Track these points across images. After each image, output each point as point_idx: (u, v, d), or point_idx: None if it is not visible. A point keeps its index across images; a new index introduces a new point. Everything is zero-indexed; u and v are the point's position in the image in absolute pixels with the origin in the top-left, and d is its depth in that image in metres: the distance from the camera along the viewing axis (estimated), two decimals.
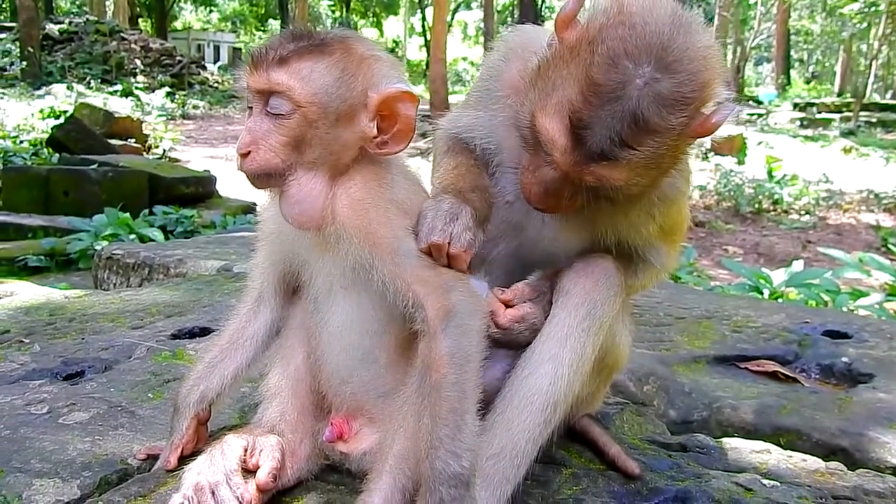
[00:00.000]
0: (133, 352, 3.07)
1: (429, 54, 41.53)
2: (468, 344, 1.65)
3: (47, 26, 37.46)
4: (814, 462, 2.38)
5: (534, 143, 1.75)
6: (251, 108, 1.77)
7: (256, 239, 2.10)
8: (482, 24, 49.10)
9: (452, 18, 63.44)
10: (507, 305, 1.88)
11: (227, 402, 2.17)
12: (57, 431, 2.32)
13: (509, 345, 1.87)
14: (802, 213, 18.77)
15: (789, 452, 2.44)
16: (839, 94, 47.52)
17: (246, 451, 1.86)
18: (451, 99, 32.01)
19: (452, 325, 1.64)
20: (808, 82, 60.28)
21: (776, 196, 19.21)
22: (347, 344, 1.89)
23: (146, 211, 12.04)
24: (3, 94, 28.45)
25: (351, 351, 1.89)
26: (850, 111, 37.58)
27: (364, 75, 1.77)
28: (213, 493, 1.76)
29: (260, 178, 1.77)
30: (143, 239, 10.08)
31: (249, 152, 1.73)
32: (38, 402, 2.54)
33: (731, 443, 2.49)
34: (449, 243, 1.70)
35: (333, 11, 72.73)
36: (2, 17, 38.84)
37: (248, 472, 1.84)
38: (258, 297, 2.09)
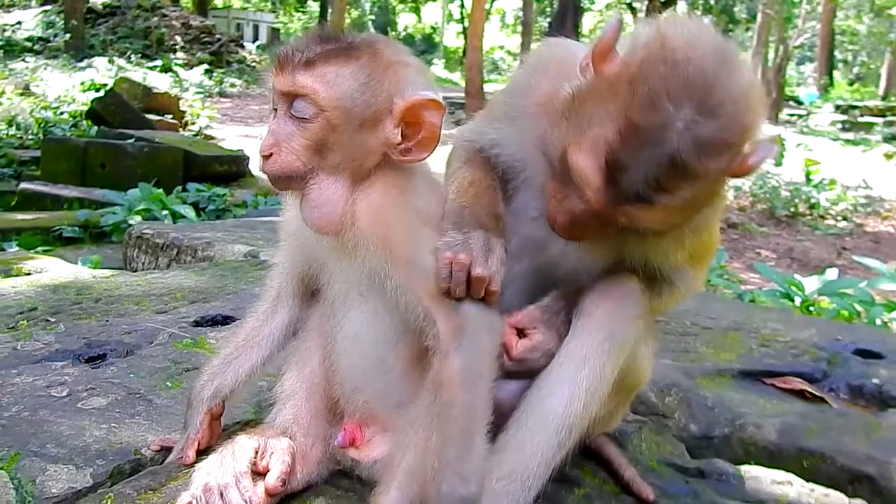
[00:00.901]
0: (155, 337, 3.08)
1: (466, 42, 41.33)
2: (480, 363, 1.62)
3: (91, 0, 37.86)
4: (837, 498, 2.32)
5: (563, 173, 1.69)
6: (276, 109, 1.76)
7: (278, 239, 2.10)
8: (521, 13, 48.77)
9: (491, 6, 63.07)
10: (519, 330, 1.85)
11: (241, 398, 2.17)
12: (75, 416, 2.33)
13: (525, 374, 1.83)
14: (839, 218, 18.44)
15: (812, 486, 2.38)
16: (884, 98, 46.56)
17: (257, 452, 1.85)
18: (487, 88, 31.87)
19: (464, 344, 1.62)
20: (851, 84, 59.14)
21: (813, 200, 18.87)
22: (362, 351, 1.87)
23: (179, 188, 12.14)
24: (47, 64, 28.84)
25: (365, 358, 1.87)
26: (894, 115, 36.81)
27: (390, 81, 1.74)
28: (221, 494, 1.75)
29: (281, 181, 1.76)
30: (175, 216, 10.17)
31: (272, 154, 1.72)
32: (59, 384, 2.56)
33: (751, 471, 2.43)
34: (490, 280, 1.66)
35: None
36: None
37: (258, 474, 1.83)
38: (276, 297, 2.09)
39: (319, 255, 1.93)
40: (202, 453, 1.98)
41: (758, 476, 2.40)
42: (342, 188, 1.76)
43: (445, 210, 1.82)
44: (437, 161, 1.91)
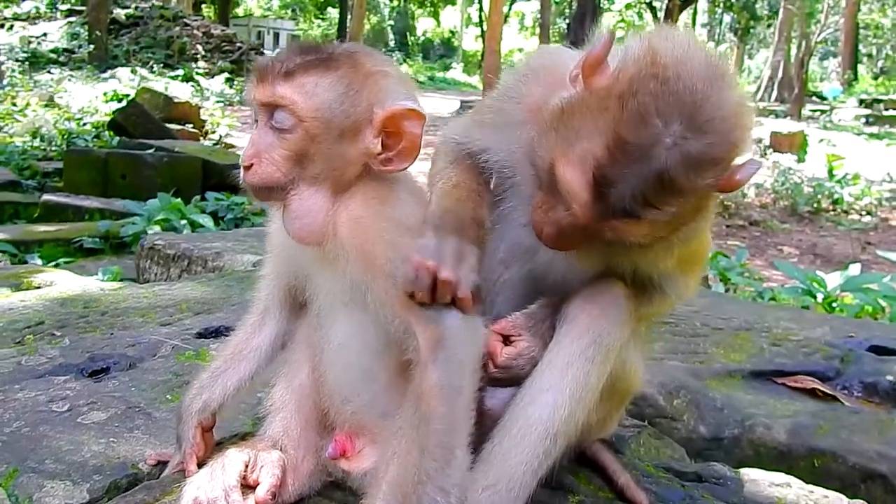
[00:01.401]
0: (158, 349, 3.09)
1: (484, 45, 41.31)
2: (459, 376, 1.60)
3: (115, 11, 38.29)
4: (836, 499, 2.27)
5: (549, 184, 1.67)
6: (257, 120, 1.76)
7: (265, 251, 2.10)
8: (539, 16, 48.69)
9: (510, 9, 63.04)
10: (504, 337, 1.82)
11: (231, 411, 2.16)
12: (74, 431, 2.35)
13: (511, 382, 1.81)
14: (863, 213, 18.19)
15: (811, 487, 2.34)
16: None
17: (247, 465, 1.85)
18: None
19: (442, 356, 1.59)
20: (875, 78, 58.39)
21: (836, 195, 18.61)
22: (348, 362, 1.86)
23: (198, 197, 12.22)
24: (71, 76, 29.21)
25: (351, 369, 1.86)
26: None
27: (370, 91, 1.74)
28: None
29: (262, 192, 1.76)
30: (193, 225, 10.25)
31: (252, 165, 1.72)
32: (61, 399, 2.57)
33: (749, 474, 2.39)
34: (457, 286, 1.63)
35: (391, 0, 72.92)
36: (73, 1, 39.80)
37: (249, 487, 1.83)
38: (264, 309, 2.09)
39: (304, 267, 1.92)
40: (200, 467, 1.98)
41: (756, 479, 2.36)
42: (323, 199, 1.76)
43: (427, 213, 1.80)
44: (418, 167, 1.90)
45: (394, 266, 1.67)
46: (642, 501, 2.00)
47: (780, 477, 2.39)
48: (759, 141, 23.75)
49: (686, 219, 1.63)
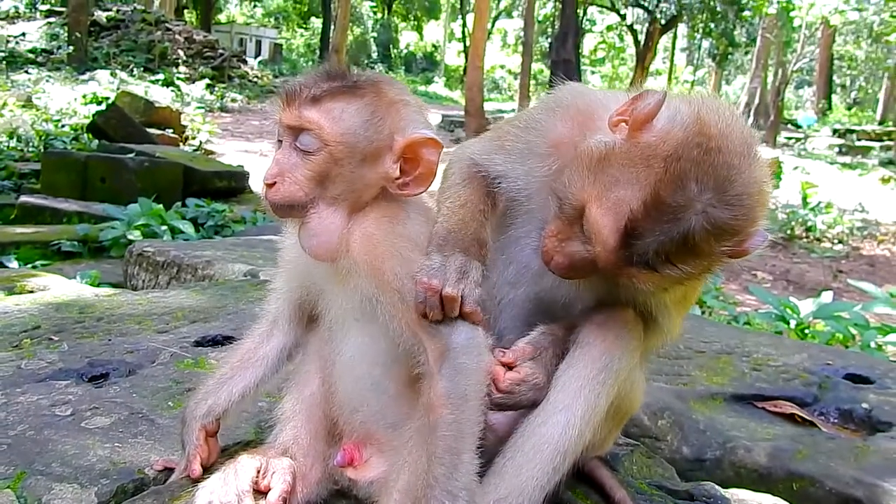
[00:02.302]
0: (157, 357, 3.13)
1: (467, 60, 41.54)
2: (465, 385, 1.68)
3: (96, 13, 38.03)
4: None
5: (570, 218, 1.78)
6: (280, 141, 1.84)
7: (277, 264, 2.16)
8: (522, 34, 49.02)
9: (493, 26, 63.43)
10: (509, 366, 1.89)
11: (235, 418, 2.21)
12: (79, 435, 2.38)
13: (513, 407, 1.88)
14: (835, 241, 18.53)
15: None
16: (881, 122, 46.80)
17: (259, 472, 1.91)
18: (487, 106, 32.02)
19: (449, 367, 1.69)
20: (849, 108, 59.47)
21: (810, 223, 18.97)
22: (358, 374, 1.94)
23: (179, 203, 12.19)
24: (49, 77, 28.95)
25: (362, 380, 1.94)
26: (891, 140, 37.01)
27: (392, 119, 1.83)
28: None
29: (282, 209, 1.83)
30: (173, 231, 10.22)
31: (275, 183, 1.80)
32: (63, 403, 2.61)
33: (738, 494, 2.48)
34: (462, 299, 1.73)
35: (375, 13, 73.08)
36: (53, 2, 39.46)
37: (260, 493, 1.88)
38: (273, 321, 2.16)
39: (317, 282, 2.00)
40: (205, 472, 2.03)
41: (745, 499, 2.45)
42: (340, 218, 1.85)
43: (434, 231, 1.90)
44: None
45: (403, 282, 1.76)
46: None
47: (768, 498, 2.48)
48: None
49: (694, 277, 1.77)
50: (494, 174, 2.07)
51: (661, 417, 3.21)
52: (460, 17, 67.05)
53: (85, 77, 29.60)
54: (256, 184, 15.80)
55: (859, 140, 38.23)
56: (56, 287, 4.31)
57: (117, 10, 39.99)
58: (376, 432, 1.96)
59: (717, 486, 2.44)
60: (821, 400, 3.52)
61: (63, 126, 20.41)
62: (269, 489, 1.88)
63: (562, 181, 1.83)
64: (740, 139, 1.70)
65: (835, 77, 59.79)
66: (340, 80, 1.83)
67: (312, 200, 1.82)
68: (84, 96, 24.82)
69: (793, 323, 7.11)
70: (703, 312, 8.14)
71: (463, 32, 64.59)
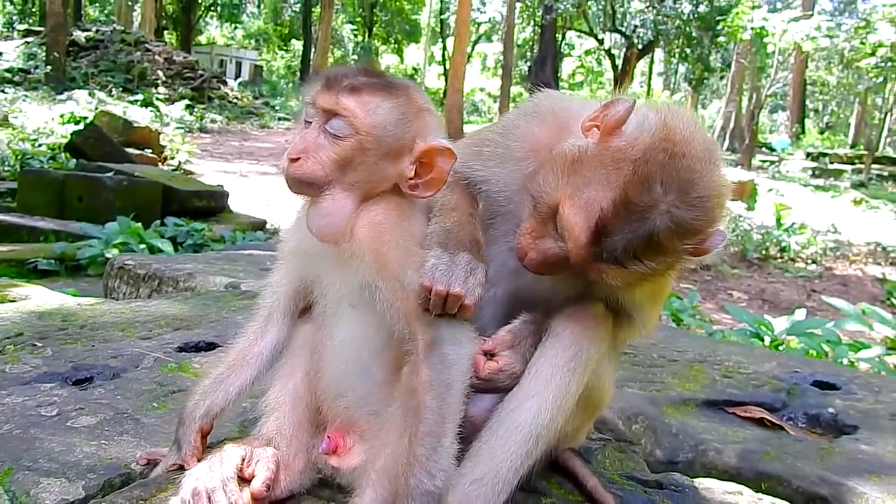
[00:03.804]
0: (140, 362, 3.17)
1: (447, 83, 41.85)
2: (449, 374, 1.77)
3: (74, 33, 37.94)
4: None
5: (544, 216, 1.90)
6: (308, 121, 1.93)
7: (274, 259, 2.24)
8: (501, 57, 49.50)
9: (472, 49, 64.04)
10: (490, 354, 1.98)
11: (229, 416, 2.26)
12: (65, 434, 2.43)
13: (492, 391, 1.97)
14: (809, 262, 18.82)
15: (760, 495, 2.53)
16: (852, 146, 47.73)
17: (243, 460, 1.96)
18: (466, 128, 32.24)
19: (435, 356, 1.77)
20: (822, 132, 60.49)
21: (784, 244, 19.27)
22: (347, 358, 2.01)
23: (158, 222, 12.17)
24: (26, 96, 28.79)
25: (349, 365, 2.00)
26: (862, 163, 37.77)
27: (418, 123, 1.96)
28: (209, 497, 1.86)
29: (300, 185, 1.91)
30: (152, 249, 10.20)
31: (299, 159, 1.88)
32: (48, 404, 2.65)
33: (705, 483, 2.57)
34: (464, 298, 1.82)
35: (356, 35, 73.43)
36: (31, 22, 39.33)
37: (244, 480, 1.93)
38: (268, 316, 2.21)
39: (316, 268, 2.07)
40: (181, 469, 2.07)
41: (711, 487, 2.53)
42: (351, 203, 1.94)
43: (430, 230, 1.99)
44: None
45: (405, 271, 1.84)
46: (609, 502, 2.16)
47: (732, 486, 2.57)
48: None
49: (658, 274, 1.88)
50: (477, 179, 2.17)
51: (635, 422, 3.29)
52: (440, 40, 67.55)
53: (63, 97, 29.50)
54: (235, 204, 15.85)
55: (832, 163, 38.97)
56: (38, 297, 4.33)
57: (96, 31, 39.97)
58: (359, 419, 2.02)
59: (685, 477, 2.53)
60: (789, 405, 3.62)
61: (40, 145, 20.29)
62: (254, 476, 1.93)
63: (537, 182, 1.93)
64: (702, 146, 1.82)
65: (808, 102, 60.78)
66: (378, 77, 1.95)
67: (330, 182, 1.90)
68: (62, 116, 24.73)
69: (767, 340, 7.24)
70: (675, 327, 8.25)
71: (443, 56, 65.02)
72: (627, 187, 1.75)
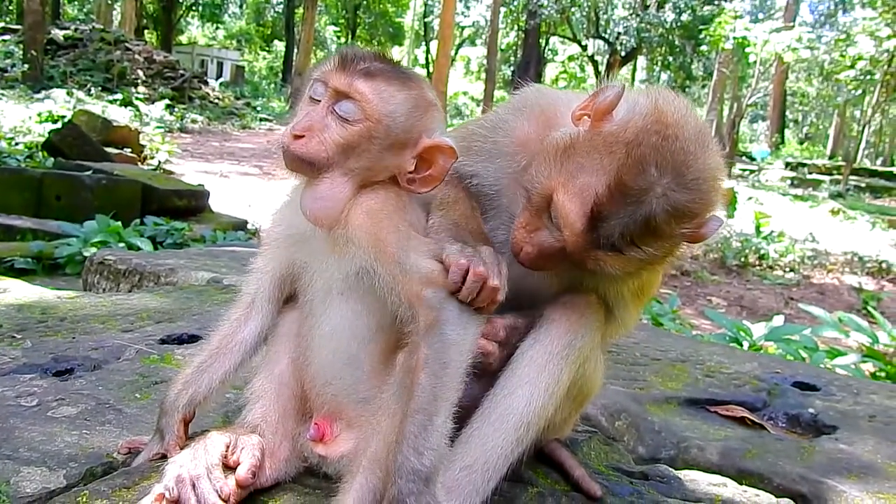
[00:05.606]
0: (122, 353, 3.14)
1: None
2: (447, 353, 1.74)
3: (53, 31, 37.54)
4: (766, 497, 2.49)
5: (539, 208, 1.88)
6: (317, 100, 1.88)
7: (259, 245, 2.20)
8: (485, 61, 49.63)
9: (456, 53, 64.13)
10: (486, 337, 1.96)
11: (212, 405, 2.22)
12: (45, 424, 2.39)
13: (480, 374, 1.94)
14: (787, 269, 18.98)
15: (744, 487, 2.56)
16: (831, 157, 48.31)
17: (228, 447, 1.95)
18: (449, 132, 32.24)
19: (435, 335, 1.75)
20: (801, 143, 61.20)
21: (762, 251, 19.44)
22: (335, 347, 1.98)
23: (137, 221, 12.05)
24: (2, 95, 28.43)
25: (338, 354, 1.98)
26: (840, 174, 38.19)
27: (426, 118, 1.93)
28: (193, 485, 1.84)
29: (299, 163, 1.86)
30: (131, 248, 10.07)
31: (303, 136, 1.84)
32: (28, 394, 2.61)
33: (690, 474, 2.59)
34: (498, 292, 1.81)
35: (339, 37, 73.32)
36: (8, 20, 38.91)
37: (229, 468, 1.92)
38: (251, 303, 2.16)
39: (304, 255, 2.04)
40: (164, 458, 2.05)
41: (696, 479, 2.55)
42: (348, 189, 1.90)
43: (435, 223, 1.98)
44: None
45: (403, 255, 1.82)
46: (596, 492, 2.16)
47: (716, 478, 2.60)
48: None
49: (657, 260, 1.86)
50: (468, 175, 2.16)
51: (618, 419, 3.30)
52: (424, 43, 67.68)
53: (40, 96, 29.14)
54: (216, 203, 15.74)
55: (810, 173, 39.41)
56: (16, 290, 4.27)
57: (75, 29, 39.56)
58: (347, 407, 2.00)
59: (670, 468, 2.55)
60: (770, 405, 3.64)
61: (17, 144, 19.99)
62: (239, 464, 1.92)
63: (529, 174, 1.92)
64: (695, 128, 1.81)
65: (787, 112, 61.51)
66: (394, 66, 1.93)
67: (330, 165, 1.86)
68: (39, 115, 24.41)
69: (745, 344, 7.29)
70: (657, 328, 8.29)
71: (427, 59, 65.15)
72: (621, 171, 1.73)
